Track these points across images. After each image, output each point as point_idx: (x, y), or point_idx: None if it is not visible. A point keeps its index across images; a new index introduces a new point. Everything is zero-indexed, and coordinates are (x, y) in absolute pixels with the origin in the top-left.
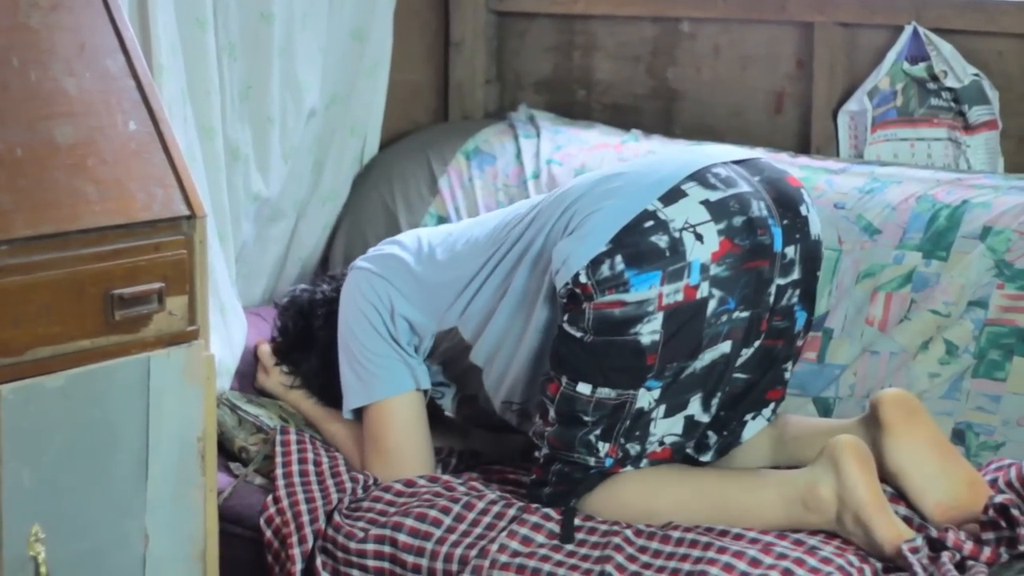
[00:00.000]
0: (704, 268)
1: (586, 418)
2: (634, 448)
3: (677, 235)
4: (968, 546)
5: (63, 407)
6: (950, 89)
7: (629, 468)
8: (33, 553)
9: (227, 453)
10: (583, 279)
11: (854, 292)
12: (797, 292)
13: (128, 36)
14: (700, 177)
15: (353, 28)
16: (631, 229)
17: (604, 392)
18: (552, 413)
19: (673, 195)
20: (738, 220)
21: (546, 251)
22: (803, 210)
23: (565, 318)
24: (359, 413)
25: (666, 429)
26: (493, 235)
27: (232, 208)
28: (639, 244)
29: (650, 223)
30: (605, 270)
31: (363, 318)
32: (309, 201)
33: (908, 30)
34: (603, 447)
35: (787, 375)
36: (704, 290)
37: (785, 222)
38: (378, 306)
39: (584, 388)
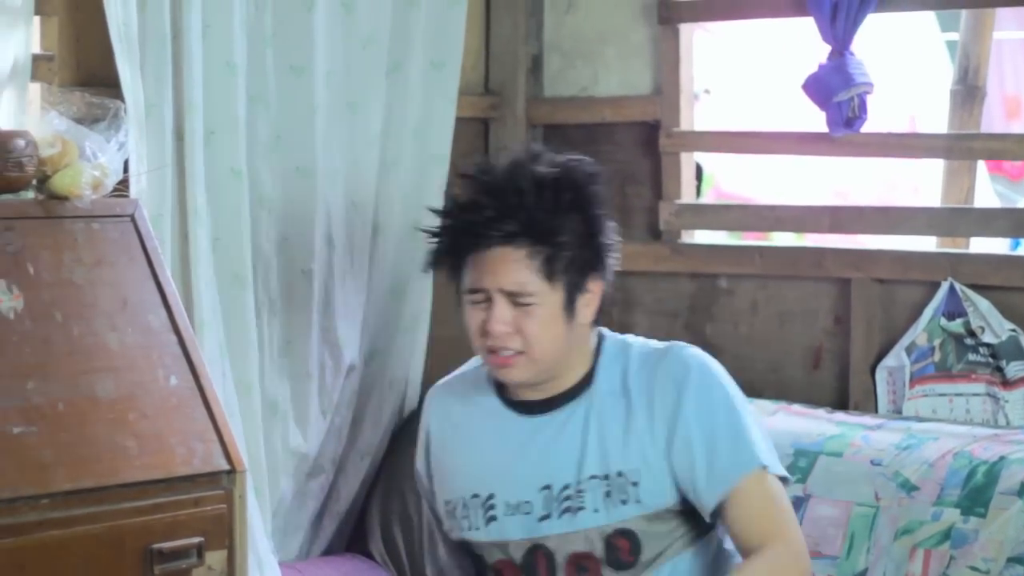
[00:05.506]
0: None
1: None
2: None
3: None
4: None
5: None
6: (988, 344)
7: None
8: None
9: None
10: None
11: (892, 549)
12: None
13: (170, 292)
14: None
15: (392, 285)
16: None
17: None
18: None
19: None
20: None
21: None
22: None
23: None
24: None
25: None
26: None
27: (270, 463)
28: None
29: None
30: None
31: (741, 394)
32: (348, 456)
33: (945, 286)
34: None
35: None
36: None
37: None
38: None
39: None
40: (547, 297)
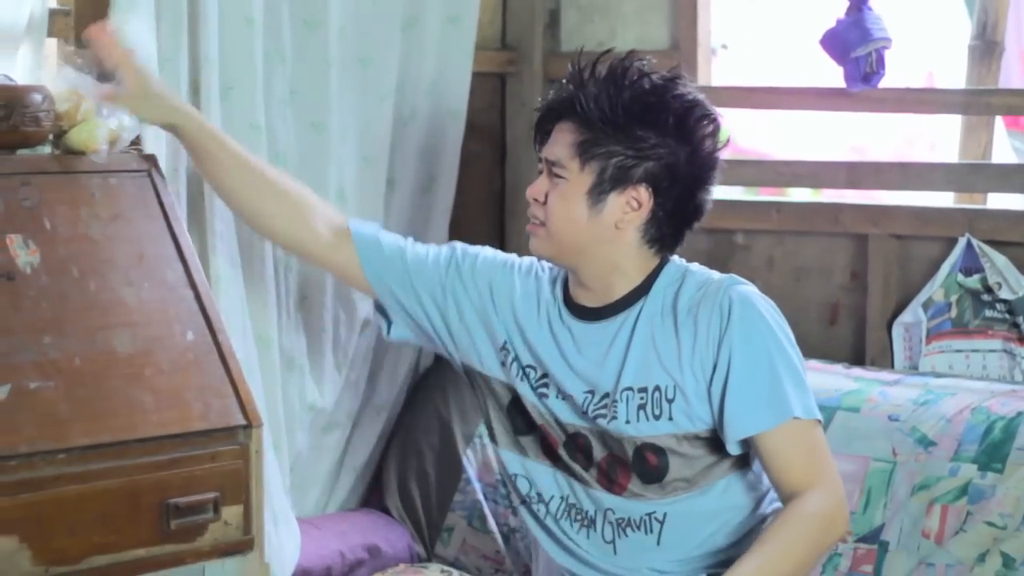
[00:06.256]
0: None
1: None
2: None
3: None
4: None
5: None
6: (1004, 301)
7: None
8: None
9: None
10: None
11: (909, 505)
12: None
13: (187, 246)
14: None
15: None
16: None
17: None
18: None
19: None
20: None
21: None
22: None
23: None
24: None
25: None
26: None
27: (287, 418)
28: None
29: None
30: None
31: (788, 333)
32: (363, 411)
33: (962, 242)
34: None
35: None
36: None
37: None
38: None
39: None
40: (575, 176)
